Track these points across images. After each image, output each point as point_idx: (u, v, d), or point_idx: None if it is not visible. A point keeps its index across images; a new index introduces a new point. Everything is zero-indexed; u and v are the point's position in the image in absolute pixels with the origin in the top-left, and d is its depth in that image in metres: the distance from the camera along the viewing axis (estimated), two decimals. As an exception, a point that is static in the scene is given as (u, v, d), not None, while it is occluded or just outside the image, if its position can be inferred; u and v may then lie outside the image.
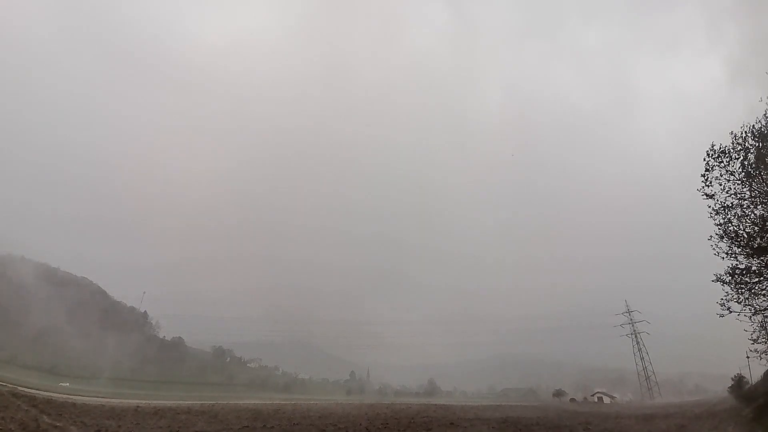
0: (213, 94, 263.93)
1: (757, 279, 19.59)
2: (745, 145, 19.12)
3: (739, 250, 19.59)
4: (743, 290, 19.91)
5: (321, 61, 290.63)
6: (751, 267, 19.65)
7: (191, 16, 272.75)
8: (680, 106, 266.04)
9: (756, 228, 19.13)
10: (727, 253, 19.98)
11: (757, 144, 18.83)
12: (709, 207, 20.18)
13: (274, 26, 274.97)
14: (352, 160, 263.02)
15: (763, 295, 19.72)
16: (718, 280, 20.51)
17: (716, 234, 20.14)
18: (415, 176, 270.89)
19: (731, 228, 19.67)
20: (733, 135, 19.35)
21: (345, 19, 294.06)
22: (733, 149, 19.41)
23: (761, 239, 18.97)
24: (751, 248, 19.22)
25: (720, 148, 19.69)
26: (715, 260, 20.55)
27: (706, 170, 19.99)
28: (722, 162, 19.68)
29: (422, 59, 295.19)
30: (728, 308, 19.93)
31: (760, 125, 18.86)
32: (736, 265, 19.88)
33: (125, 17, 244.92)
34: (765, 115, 18.80)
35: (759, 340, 20.82)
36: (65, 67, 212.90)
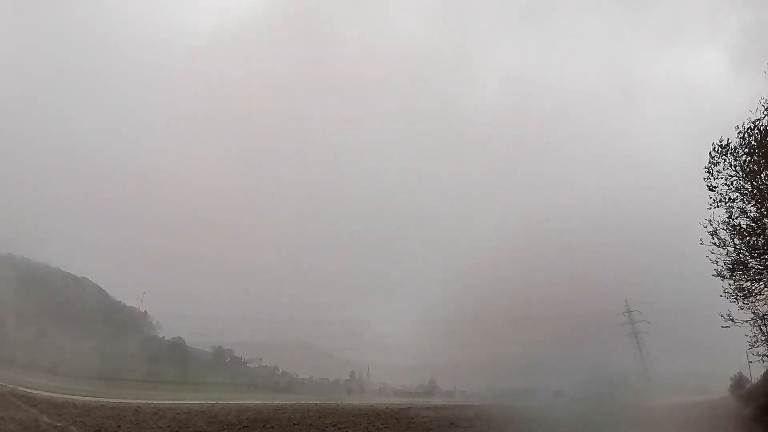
0: (205, 87, 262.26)
1: (757, 278, 19.57)
2: (749, 141, 19.06)
3: (738, 244, 19.55)
4: (742, 290, 19.90)
5: (304, 49, 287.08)
6: (748, 264, 19.63)
7: (173, 9, 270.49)
8: (682, 94, 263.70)
9: (753, 225, 19.12)
10: (724, 248, 19.92)
11: (760, 141, 18.78)
12: (710, 198, 20.11)
13: (257, 16, 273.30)
14: (345, 156, 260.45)
15: (764, 296, 19.70)
16: (718, 275, 20.53)
17: (712, 229, 20.05)
18: (411, 171, 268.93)
19: (731, 222, 19.63)
20: (739, 130, 19.29)
21: (329, 4, 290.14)
22: (739, 146, 19.35)
23: (758, 238, 18.96)
24: (748, 245, 19.22)
25: (726, 142, 19.68)
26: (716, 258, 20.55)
27: (711, 164, 19.97)
28: (726, 157, 19.65)
29: (413, 46, 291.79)
30: (730, 317, 19.93)
31: (763, 121, 18.77)
32: (736, 259, 19.86)
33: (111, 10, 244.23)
34: (763, 114, 18.72)
35: (757, 345, 20.82)
36: (61, 67, 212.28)
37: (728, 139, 19.48)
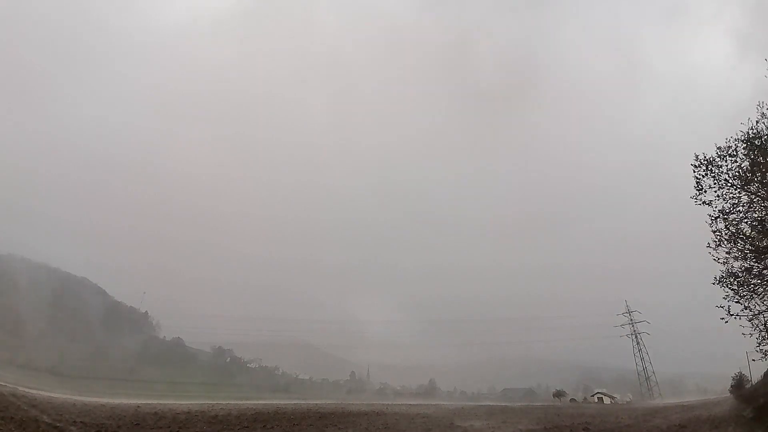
0: (201, 84, 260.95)
1: (758, 281, 19.45)
2: (735, 153, 18.87)
3: (740, 252, 19.41)
4: (744, 292, 19.76)
5: (291, 40, 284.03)
6: (751, 269, 19.47)
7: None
8: (686, 79, 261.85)
9: (757, 229, 18.99)
10: (728, 256, 19.76)
11: (748, 152, 18.63)
12: (709, 215, 19.94)
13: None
14: (344, 148, 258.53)
15: (766, 295, 19.58)
16: (717, 282, 20.38)
17: (714, 240, 19.85)
18: (409, 168, 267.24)
19: (732, 231, 19.46)
20: (718, 147, 19.16)
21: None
22: (719, 157, 19.18)
23: (762, 241, 18.83)
24: (753, 250, 19.07)
25: (705, 158, 19.46)
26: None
27: (697, 180, 19.75)
28: (712, 171, 19.44)
29: (405, 31, 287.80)
30: (728, 311, 19.73)
31: (750, 132, 18.61)
32: (731, 269, 19.71)
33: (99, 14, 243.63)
34: (760, 118, 18.60)
35: (762, 344, 20.63)
36: (59, 67, 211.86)
37: (704, 155, 19.27)
